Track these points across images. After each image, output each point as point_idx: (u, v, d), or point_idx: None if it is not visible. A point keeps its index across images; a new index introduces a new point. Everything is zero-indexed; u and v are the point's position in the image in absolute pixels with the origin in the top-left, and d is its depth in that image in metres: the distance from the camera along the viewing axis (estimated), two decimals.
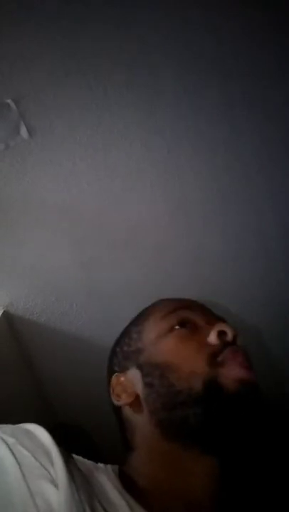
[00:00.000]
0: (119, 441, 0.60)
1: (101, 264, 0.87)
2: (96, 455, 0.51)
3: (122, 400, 0.53)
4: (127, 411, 0.54)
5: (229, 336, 0.52)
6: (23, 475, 0.38)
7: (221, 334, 0.52)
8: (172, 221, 0.88)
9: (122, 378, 0.56)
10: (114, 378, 0.57)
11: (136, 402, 0.52)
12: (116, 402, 0.55)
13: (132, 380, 0.54)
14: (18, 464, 0.38)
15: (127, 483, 0.47)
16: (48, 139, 0.76)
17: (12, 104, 0.72)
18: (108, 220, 0.85)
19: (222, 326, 0.53)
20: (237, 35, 0.78)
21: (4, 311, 0.84)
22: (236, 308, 0.96)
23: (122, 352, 0.59)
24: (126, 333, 0.62)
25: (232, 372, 0.48)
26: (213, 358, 0.49)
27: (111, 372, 0.59)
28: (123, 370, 0.57)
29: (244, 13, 0.76)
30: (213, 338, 0.52)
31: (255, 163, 0.88)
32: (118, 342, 0.62)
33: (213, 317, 0.59)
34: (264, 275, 0.97)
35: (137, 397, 0.52)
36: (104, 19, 0.73)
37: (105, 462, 0.51)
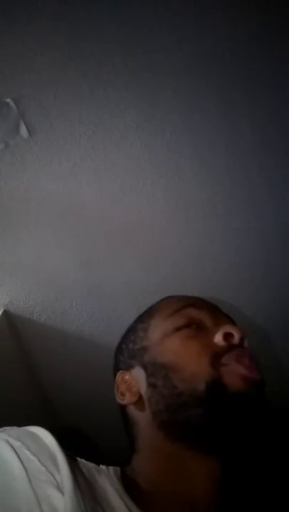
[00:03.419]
0: (119, 441, 0.60)
1: (101, 263, 0.87)
2: (95, 454, 0.51)
3: (126, 399, 0.53)
4: (132, 410, 0.53)
5: (236, 338, 0.51)
6: (29, 480, 0.37)
7: (228, 336, 0.51)
8: (172, 221, 0.88)
9: (127, 376, 0.55)
10: (118, 376, 0.56)
11: (139, 402, 0.52)
12: (120, 401, 0.54)
13: (136, 378, 0.54)
14: (24, 468, 0.38)
15: (129, 486, 0.46)
16: (48, 139, 0.76)
17: (12, 104, 0.72)
18: (108, 219, 0.85)
19: (229, 328, 0.52)
20: (237, 35, 0.78)
21: (4, 311, 0.84)
22: (236, 308, 0.96)
23: (127, 349, 0.58)
24: (132, 330, 0.61)
25: (236, 371, 0.47)
26: (217, 358, 0.49)
27: (116, 369, 0.59)
28: (128, 368, 0.56)
29: (244, 13, 0.76)
30: (219, 339, 0.51)
31: (256, 164, 0.88)
32: (124, 339, 0.61)
33: (220, 317, 0.58)
34: (264, 275, 0.97)
35: (141, 396, 0.52)
36: (104, 19, 0.73)
37: (105, 462, 0.51)
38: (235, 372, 0.47)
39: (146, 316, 0.60)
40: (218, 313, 0.59)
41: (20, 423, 0.46)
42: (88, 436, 0.95)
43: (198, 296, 0.62)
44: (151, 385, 0.51)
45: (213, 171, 0.86)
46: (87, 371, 0.92)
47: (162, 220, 0.88)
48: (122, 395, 0.54)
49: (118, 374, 0.57)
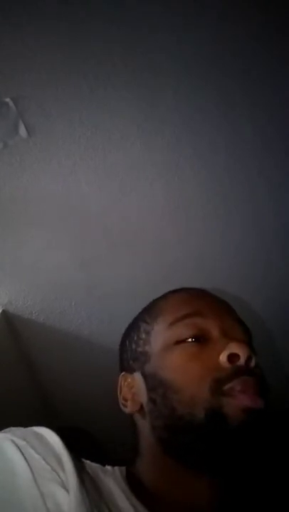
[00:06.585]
0: (116, 440, 0.60)
1: (100, 263, 0.87)
2: (93, 452, 0.51)
3: (128, 407, 0.52)
4: (136, 416, 0.53)
5: (241, 360, 0.47)
6: (34, 478, 0.38)
7: (233, 356, 0.47)
8: (172, 221, 0.88)
9: (129, 380, 0.54)
10: (121, 377, 0.55)
11: (141, 411, 0.51)
12: (123, 408, 0.53)
13: (138, 385, 0.53)
14: (29, 466, 0.38)
15: (135, 486, 0.46)
16: (48, 139, 0.76)
17: (11, 103, 0.72)
18: (108, 219, 0.85)
19: (234, 347, 0.47)
20: (237, 35, 0.77)
21: (3, 310, 0.84)
22: (236, 308, 0.96)
23: (130, 349, 0.56)
24: (136, 326, 0.58)
25: (239, 403, 0.44)
26: (219, 385, 0.46)
27: (121, 367, 0.57)
28: (130, 370, 0.55)
29: (244, 13, 0.76)
30: (223, 360, 0.47)
31: (256, 164, 0.88)
32: (128, 334, 0.59)
33: (229, 325, 0.53)
34: (264, 275, 0.97)
35: (142, 406, 0.51)
36: (104, 19, 0.73)
37: (104, 461, 0.51)
38: (237, 404, 0.44)
39: (151, 314, 0.57)
40: (226, 322, 0.54)
41: (20, 421, 0.46)
42: (86, 434, 0.95)
43: (210, 294, 0.59)
44: (152, 400, 0.50)
45: (213, 171, 0.86)
46: (85, 370, 0.92)
47: (162, 220, 0.88)
48: (125, 400, 0.53)
49: (121, 375, 0.56)
